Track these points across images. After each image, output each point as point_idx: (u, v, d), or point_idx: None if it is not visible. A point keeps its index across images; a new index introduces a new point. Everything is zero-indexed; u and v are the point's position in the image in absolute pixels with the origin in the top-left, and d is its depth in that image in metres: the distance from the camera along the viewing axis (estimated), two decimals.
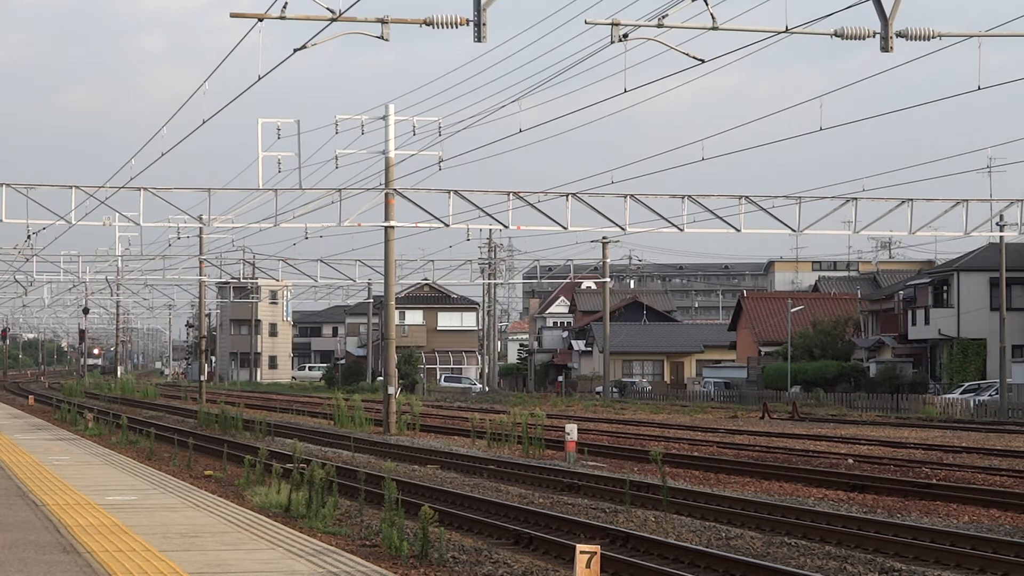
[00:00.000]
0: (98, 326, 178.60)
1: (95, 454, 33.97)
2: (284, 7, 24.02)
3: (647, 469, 31.92)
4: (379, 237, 56.60)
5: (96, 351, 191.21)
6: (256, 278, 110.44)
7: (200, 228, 69.37)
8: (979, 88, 28.94)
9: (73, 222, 49.68)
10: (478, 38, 21.92)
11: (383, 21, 24.42)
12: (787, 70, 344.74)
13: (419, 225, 51.67)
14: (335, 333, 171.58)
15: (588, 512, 23.59)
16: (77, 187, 48.17)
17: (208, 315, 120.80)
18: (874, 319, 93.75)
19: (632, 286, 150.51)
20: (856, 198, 48.57)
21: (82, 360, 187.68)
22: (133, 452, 36.92)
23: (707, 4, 23.06)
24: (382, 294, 56.86)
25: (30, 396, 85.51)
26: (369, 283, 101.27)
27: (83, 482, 25.40)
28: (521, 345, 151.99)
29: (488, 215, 48.63)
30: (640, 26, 24.14)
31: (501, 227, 50.40)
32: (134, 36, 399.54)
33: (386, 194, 49.73)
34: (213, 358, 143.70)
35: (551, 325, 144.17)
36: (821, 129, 38.17)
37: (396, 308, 58.73)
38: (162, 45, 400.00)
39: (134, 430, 44.19)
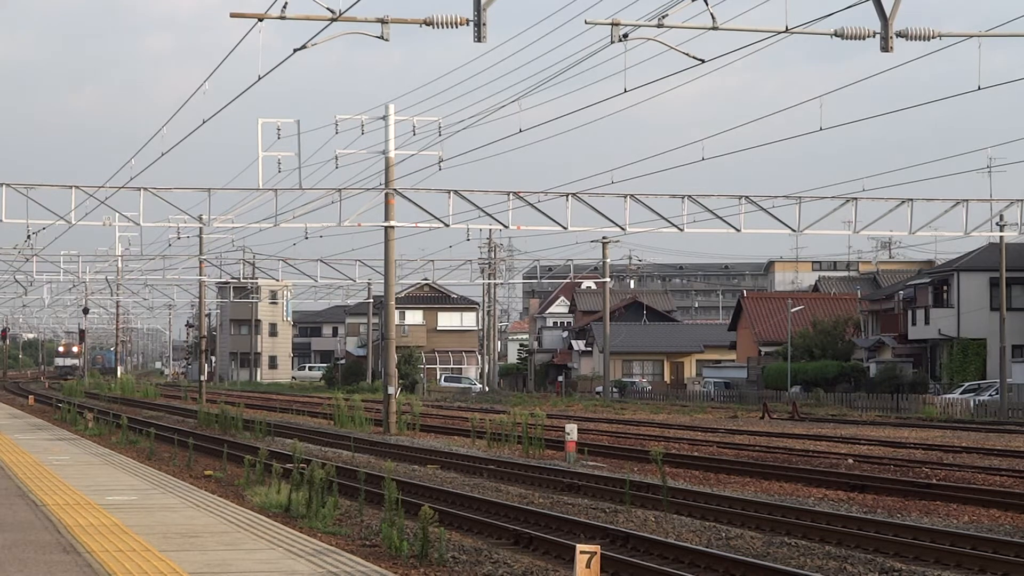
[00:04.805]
0: (98, 326, 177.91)
1: (95, 454, 33.97)
2: (284, 7, 24.03)
3: (647, 469, 31.91)
4: (379, 237, 56.66)
5: (75, 348, 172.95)
6: (256, 278, 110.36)
7: (200, 228, 69.40)
8: (979, 88, 28.97)
9: (73, 222, 49.69)
10: (478, 38, 21.92)
11: (383, 21, 24.43)
12: (792, 70, 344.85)
13: (419, 225, 51.70)
14: (335, 333, 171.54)
15: (588, 512, 23.58)
16: (77, 187, 48.18)
17: (208, 315, 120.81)
18: (874, 319, 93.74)
19: (632, 286, 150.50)
20: (856, 198, 48.58)
21: (56, 360, 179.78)
22: (133, 452, 36.91)
23: (707, 4, 23.07)
24: (382, 294, 56.85)
25: (30, 396, 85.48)
26: (369, 283, 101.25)
27: (83, 482, 25.39)
28: (521, 345, 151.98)
29: (488, 215, 48.63)
30: (640, 26, 24.15)
31: (501, 227, 50.40)
32: (144, 37, 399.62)
33: (386, 194, 49.73)
34: (213, 358, 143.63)
35: (551, 325, 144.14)
36: (821, 129, 38.21)
37: (396, 308, 58.73)
38: (171, 46, 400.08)
39: (134, 430, 44.18)
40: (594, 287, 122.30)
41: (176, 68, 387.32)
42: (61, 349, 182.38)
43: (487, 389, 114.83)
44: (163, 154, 43.70)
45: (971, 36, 26.04)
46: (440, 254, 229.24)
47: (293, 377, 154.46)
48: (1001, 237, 67.55)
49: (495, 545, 19.64)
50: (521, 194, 48.38)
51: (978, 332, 79.68)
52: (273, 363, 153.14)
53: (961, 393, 72.87)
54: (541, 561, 18.19)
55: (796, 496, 26.53)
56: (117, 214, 51.49)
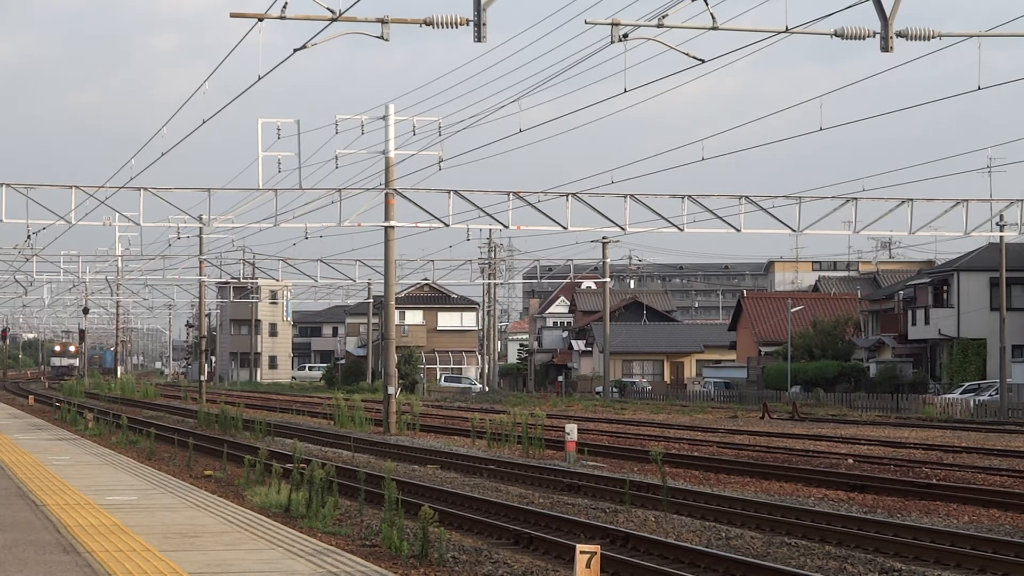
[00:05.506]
0: (98, 326, 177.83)
1: (95, 454, 33.97)
2: (284, 7, 24.03)
3: (647, 469, 31.92)
4: (379, 237, 56.67)
5: (72, 348, 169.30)
6: (256, 278, 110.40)
7: (200, 228, 69.41)
8: (979, 88, 28.97)
9: (73, 222, 49.70)
10: (478, 38, 21.93)
11: (383, 21, 24.44)
12: (792, 70, 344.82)
13: (419, 225, 51.72)
14: (335, 333, 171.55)
15: (588, 512, 23.58)
16: (77, 187, 48.19)
17: (208, 315, 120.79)
18: (874, 319, 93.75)
19: (632, 286, 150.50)
20: (856, 198, 48.59)
21: (52, 360, 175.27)
22: (133, 452, 36.91)
23: (707, 4, 23.07)
24: (382, 294, 56.86)
25: (30, 396, 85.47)
26: (369, 283, 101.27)
27: (83, 482, 25.39)
28: (521, 345, 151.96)
29: (488, 215, 48.64)
30: (640, 26, 24.16)
31: (501, 227, 50.42)
32: (146, 36, 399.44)
33: (386, 194, 49.73)
34: (213, 358, 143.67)
35: (551, 325, 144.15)
36: (821, 129, 38.24)
37: (396, 308, 58.73)
38: (174, 45, 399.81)
39: (134, 430, 44.18)
40: (594, 287, 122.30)
41: (179, 68, 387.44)
42: (58, 349, 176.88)
43: (487, 389, 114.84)
44: (163, 154, 43.79)
45: (971, 36, 26.04)
46: (440, 254, 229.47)
47: (293, 377, 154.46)
48: (1001, 237, 67.54)
49: (495, 545, 19.64)
50: (521, 194, 48.38)
51: (978, 332, 79.68)
52: (273, 363, 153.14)
53: (961, 393, 72.86)
54: (541, 561, 18.19)
55: (796, 496, 26.53)
56: (117, 214, 51.54)
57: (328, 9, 24.45)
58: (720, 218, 48.22)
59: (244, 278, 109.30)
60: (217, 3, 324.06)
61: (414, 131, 48.90)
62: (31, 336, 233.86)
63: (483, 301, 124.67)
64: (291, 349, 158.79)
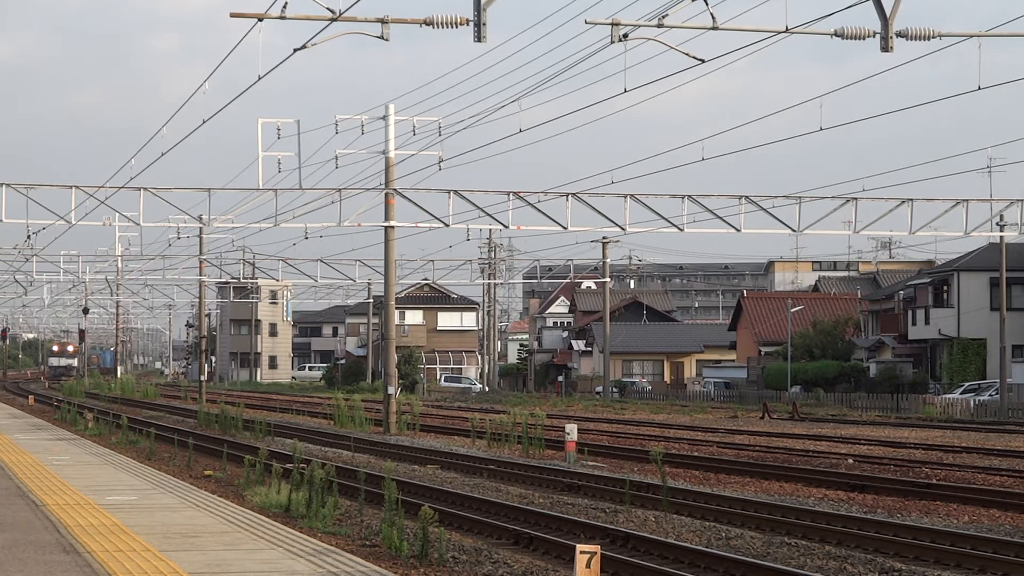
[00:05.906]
0: (98, 326, 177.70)
1: (95, 454, 33.98)
2: (284, 7, 24.03)
3: (647, 469, 31.92)
4: (379, 237, 56.67)
5: (71, 348, 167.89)
6: (256, 278, 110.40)
7: (200, 228, 69.41)
8: (979, 88, 28.98)
9: (73, 222, 49.70)
10: (478, 38, 21.94)
11: (383, 21, 24.44)
12: (793, 70, 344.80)
13: (419, 225, 51.72)
14: (335, 333, 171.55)
15: (588, 512, 23.58)
16: (77, 187, 48.19)
17: (208, 315, 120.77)
18: (874, 319, 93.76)
19: (632, 286, 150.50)
20: (856, 198, 48.59)
21: (50, 360, 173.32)
22: (133, 452, 36.91)
23: (707, 4, 23.08)
24: (382, 294, 56.87)
25: (30, 396, 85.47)
26: (369, 283, 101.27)
27: (83, 482, 25.40)
28: (521, 345, 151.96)
29: (488, 215, 48.64)
30: (640, 26, 24.17)
31: (501, 227, 50.42)
32: (148, 36, 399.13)
33: (386, 194, 49.73)
34: (213, 358, 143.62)
35: (551, 325, 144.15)
36: (821, 129, 38.27)
37: (396, 308, 58.73)
38: (176, 45, 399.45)
39: (134, 430, 44.17)
40: (594, 287, 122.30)
41: (179, 68, 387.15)
42: (56, 348, 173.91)
43: (487, 389, 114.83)
44: (163, 154, 43.82)
45: (971, 36, 26.05)
46: (440, 254, 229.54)
47: (293, 377, 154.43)
48: (1001, 237, 67.55)
49: (495, 545, 19.64)
50: (521, 194, 48.39)
51: (978, 332, 79.68)
52: (273, 363, 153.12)
53: (961, 393, 72.86)
54: (541, 561, 18.19)
55: (796, 496, 26.53)
56: (117, 214, 51.53)
57: (328, 9, 24.46)
58: (720, 218, 48.23)
59: (244, 278, 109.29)
60: (217, 3, 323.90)
61: (414, 131, 48.95)
62: (31, 336, 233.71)
63: (483, 301, 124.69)
64: (291, 349, 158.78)
